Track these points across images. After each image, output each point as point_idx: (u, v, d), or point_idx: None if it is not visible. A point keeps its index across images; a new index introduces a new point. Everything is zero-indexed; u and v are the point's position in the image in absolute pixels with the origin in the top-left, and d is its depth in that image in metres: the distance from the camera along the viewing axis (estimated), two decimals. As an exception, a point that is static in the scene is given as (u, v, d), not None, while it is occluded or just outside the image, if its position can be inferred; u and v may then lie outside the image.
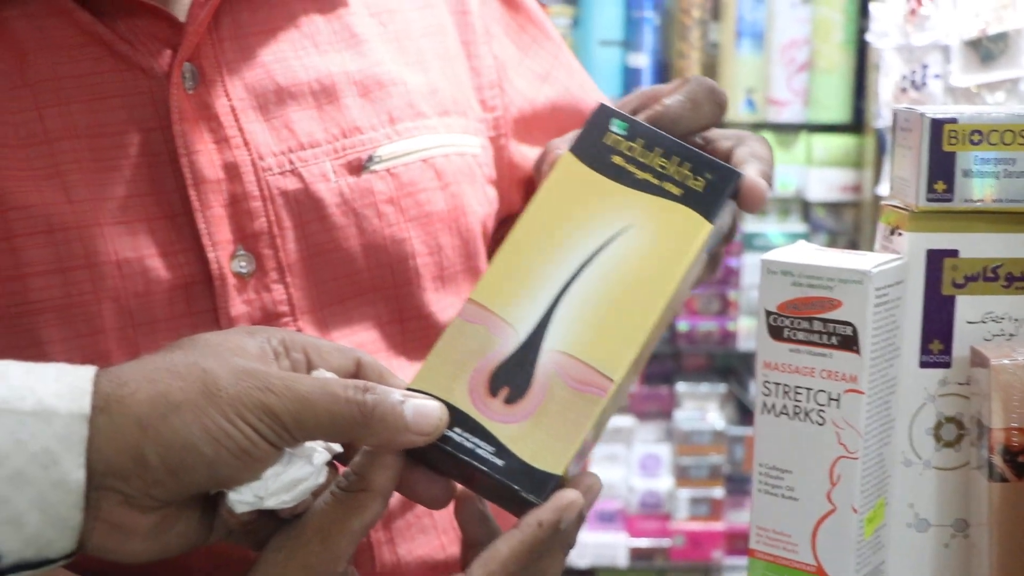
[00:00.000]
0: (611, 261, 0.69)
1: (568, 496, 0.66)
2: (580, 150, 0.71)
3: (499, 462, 0.65)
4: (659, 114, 0.77)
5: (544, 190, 0.71)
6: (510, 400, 0.67)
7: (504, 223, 1.05)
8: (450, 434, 0.66)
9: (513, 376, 0.67)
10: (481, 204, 0.96)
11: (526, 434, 0.66)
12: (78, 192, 0.80)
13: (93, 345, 0.79)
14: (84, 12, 0.81)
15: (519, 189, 1.04)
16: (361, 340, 0.88)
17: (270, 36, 0.88)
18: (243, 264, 0.84)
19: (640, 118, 0.76)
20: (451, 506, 0.93)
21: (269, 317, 0.85)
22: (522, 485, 0.65)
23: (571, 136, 0.77)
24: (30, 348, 0.78)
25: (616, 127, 0.71)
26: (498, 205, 1.00)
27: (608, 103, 0.73)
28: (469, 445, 0.66)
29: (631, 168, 0.71)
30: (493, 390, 0.67)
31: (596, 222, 0.70)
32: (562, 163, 0.71)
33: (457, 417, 0.66)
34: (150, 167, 0.82)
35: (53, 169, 0.80)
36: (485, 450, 0.66)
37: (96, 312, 0.79)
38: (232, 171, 0.84)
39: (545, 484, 0.66)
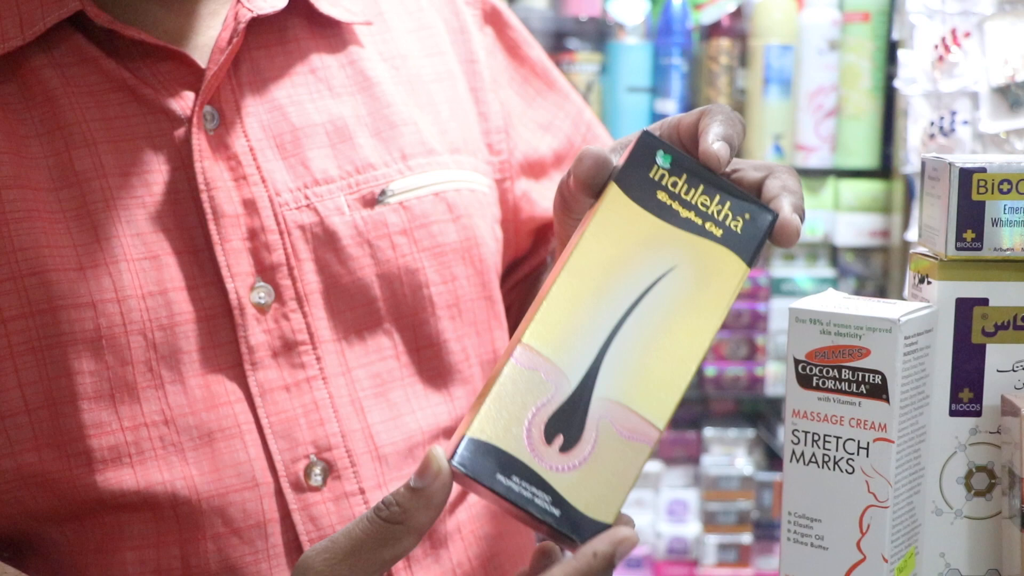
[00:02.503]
0: (656, 304, 0.69)
1: (622, 532, 0.66)
2: (626, 183, 0.70)
3: (556, 512, 0.65)
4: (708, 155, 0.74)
5: (593, 225, 0.70)
6: (564, 448, 0.66)
7: (520, 265, 1.07)
8: (510, 484, 0.66)
9: (567, 424, 0.67)
10: (495, 246, 0.97)
11: (579, 483, 0.66)
12: (106, 230, 0.82)
13: (121, 376, 0.81)
14: (109, 59, 0.84)
15: (525, 234, 1.05)
16: (378, 369, 0.89)
17: (286, 79, 0.89)
18: (262, 295, 0.85)
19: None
20: (464, 536, 0.94)
21: (289, 346, 0.86)
22: (578, 535, 0.66)
23: (608, 147, 0.76)
24: (60, 378, 0.80)
25: (661, 159, 0.70)
26: (505, 244, 1.00)
27: (651, 131, 0.72)
28: (527, 495, 0.66)
29: (675, 205, 0.70)
30: (548, 438, 0.66)
31: (643, 262, 0.69)
32: (609, 197, 0.70)
33: (515, 466, 0.66)
34: (173, 204, 0.84)
35: (83, 209, 0.82)
36: (543, 499, 0.65)
37: (125, 344, 0.81)
38: (250, 206, 0.85)
39: (598, 533, 0.66)
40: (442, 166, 0.93)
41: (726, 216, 0.70)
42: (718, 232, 0.70)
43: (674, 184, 0.70)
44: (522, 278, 1.10)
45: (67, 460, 0.80)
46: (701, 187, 0.70)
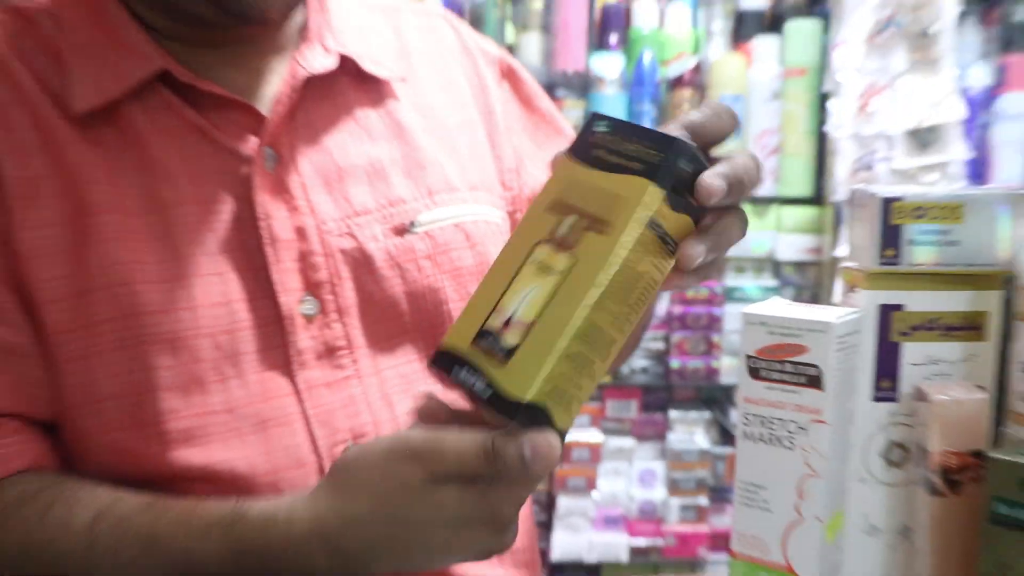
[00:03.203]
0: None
1: (526, 437, 0.64)
2: (572, 150, 0.69)
3: (488, 392, 0.64)
4: (687, 123, 0.71)
5: (544, 184, 0.70)
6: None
7: None
8: (460, 374, 0.65)
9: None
10: None
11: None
12: (183, 250, 0.82)
13: (194, 372, 0.81)
14: (189, 108, 0.84)
15: None
16: (404, 371, 0.89)
17: (333, 126, 0.89)
18: (309, 307, 0.85)
19: (670, 125, 0.71)
20: None
21: (330, 350, 0.86)
22: (498, 409, 0.63)
23: None
24: (143, 372, 0.80)
25: (600, 127, 0.69)
26: None
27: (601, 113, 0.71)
28: (469, 381, 0.65)
29: (607, 156, 0.67)
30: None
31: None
32: (557, 162, 0.70)
33: (464, 361, 0.66)
34: (237, 230, 0.84)
35: (166, 231, 0.82)
36: (480, 384, 0.64)
37: (196, 345, 0.81)
38: (300, 233, 0.85)
39: (515, 408, 0.62)
40: (462, 201, 0.93)
41: (649, 155, 0.65)
42: (638, 167, 0.65)
43: (611, 141, 0.67)
44: None
45: (146, 440, 0.80)
46: (634, 140, 0.67)
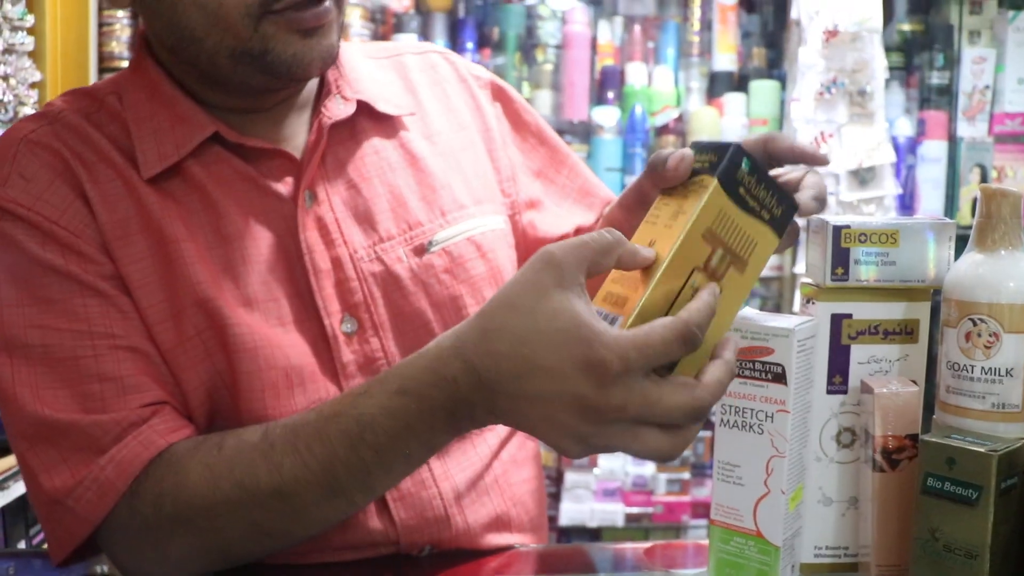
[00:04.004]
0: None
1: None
2: (722, 181, 0.64)
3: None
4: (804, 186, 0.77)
5: (701, 207, 0.63)
6: None
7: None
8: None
9: None
10: (511, 266, 0.94)
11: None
12: (243, 278, 0.81)
13: (265, 377, 0.80)
14: (238, 159, 0.83)
15: (533, 249, 0.98)
16: None
17: (358, 162, 0.88)
18: (349, 326, 0.83)
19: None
20: (501, 485, 0.91)
21: (369, 361, 0.84)
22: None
23: (679, 153, 0.68)
24: (230, 374, 0.79)
25: (745, 164, 0.65)
26: (517, 261, 0.97)
27: (741, 144, 0.67)
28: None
29: (747, 197, 0.65)
30: None
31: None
32: (713, 188, 0.64)
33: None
34: (285, 261, 0.83)
35: (230, 260, 0.81)
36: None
37: (268, 354, 0.80)
38: (337, 263, 0.83)
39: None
40: (470, 216, 0.90)
41: (773, 206, 0.66)
42: (767, 216, 0.66)
43: (748, 183, 0.65)
44: None
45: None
46: (763, 185, 0.66)
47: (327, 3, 0.78)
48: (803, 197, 0.75)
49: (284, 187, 0.84)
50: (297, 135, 0.87)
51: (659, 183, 0.67)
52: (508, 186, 0.97)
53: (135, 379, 0.76)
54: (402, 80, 0.95)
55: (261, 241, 0.82)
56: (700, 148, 0.67)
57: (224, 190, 0.82)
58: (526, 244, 0.99)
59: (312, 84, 0.89)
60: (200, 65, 0.80)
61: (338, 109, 0.86)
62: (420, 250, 0.87)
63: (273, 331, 0.80)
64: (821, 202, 0.76)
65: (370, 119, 0.89)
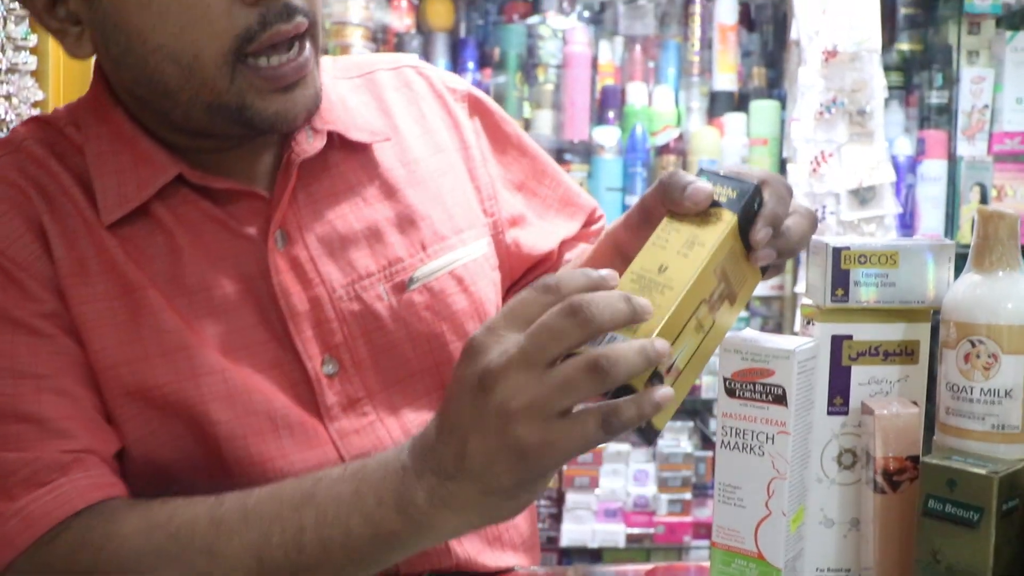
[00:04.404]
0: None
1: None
2: (742, 217, 0.66)
3: None
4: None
5: (720, 242, 0.65)
6: None
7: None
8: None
9: None
10: (494, 290, 0.92)
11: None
12: (210, 329, 0.78)
13: (246, 423, 0.77)
14: (206, 201, 0.79)
15: (518, 268, 0.98)
16: (417, 407, 0.85)
17: (332, 198, 0.84)
18: (330, 367, 0.81)
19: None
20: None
21: (353, 402, 0.82)
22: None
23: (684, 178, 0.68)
24: (204, 427, 0.76)
25: (758, 201, 0.67)
26: (501, 280, 0.95)
27: (759, 185, 0.68)
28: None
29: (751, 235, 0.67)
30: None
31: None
32: (732, 226, 0.65)
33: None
34: (257, 306, 0.80)
35: (198, 311, 0.77)
36: None
37: (245, 399, 0.77)
38: (315, 303, 0.81)
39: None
40: (451, 248, 0.88)
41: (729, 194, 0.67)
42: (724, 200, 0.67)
43: (752, 218, 0.67)
44: (520, 288, 1.00)
45: (214, 481, 0.75)
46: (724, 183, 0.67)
47: (305, 52, 0.75)
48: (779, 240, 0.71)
49: (254, 229, 0.80)
50: (266, 173, 0.83)
51: (670, 206, 0.67)
52: (490, 204, 0.94)
53: (59, 423, 0.72)
54: (376, 101, 0.91)
55: (231, 287, 0.79)
56: (715, 179, 0.68)
57: (191, 234, 0.78)
58: (511, 262, 0.97)
59: None
60: (173, 117, 0.76)
61: (307, 144, 0.82)
62: (400, 287, 0.84)
63: (250, 378, 0.78)
64: (776, 224, 0.69)
65: (343, 149, 0.86)
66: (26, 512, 0.69)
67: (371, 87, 0.92)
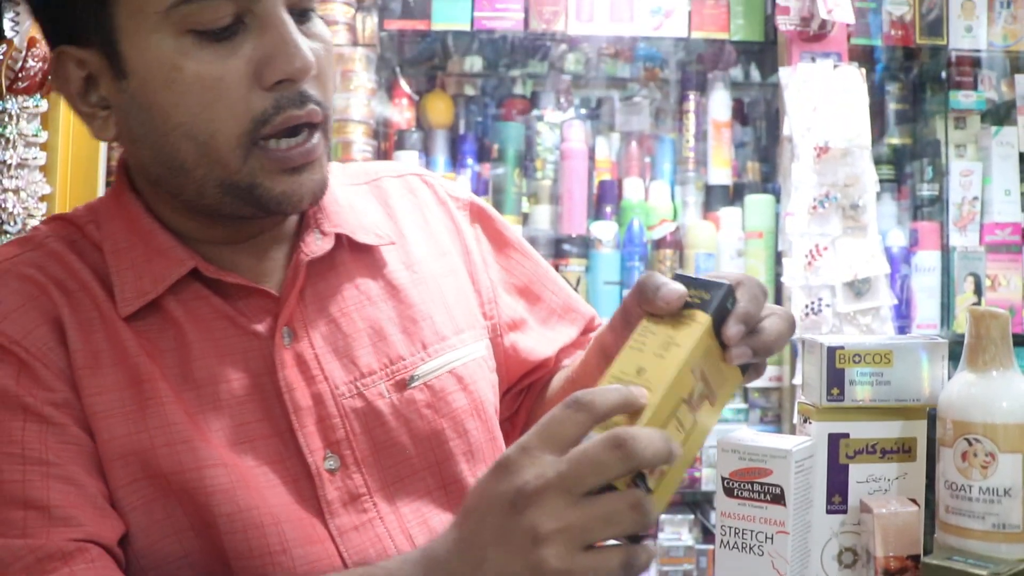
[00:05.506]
0: None
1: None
2: (715, 317, 0.68)
3: None
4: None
5: (694, 344, 0.66)
6: None
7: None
8: None
9: None
10: (492, 391, 0.93)
11: None
12: (215, 424, 0.79)
13: (247, 517, 0.77)
14: (216, 297, 0.82)
15: (515, 372, 1.00)
16: (418, 505, 0.85)
17: (338, 296, 0.86)
18: (332, 463, 0.82)
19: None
20: None
21: (353, 497, 0.82)
22: None
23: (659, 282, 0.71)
24: (206, 518, 0.76)
25: (731, 302, 0.69)
26: (499, 383, 0.96)
27: (732, 286, 0.70)
28: None
29: (727, 337, 0.68)
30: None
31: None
32: (705, 329, 0.67)
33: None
34: (263, 401, 0.81)
35: (203, 405, 0.79)
36: None
37: (246, 493, 0.77)
38: (318, 399, 0.82)
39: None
40: (452, 348, 0.89)
41: (703, 296, 0.69)
42: (698, 302, 0.69)
43: (726, 318, 0.69)
44: (517, 392, 1.04)
45: (216, 572, 0.77)
46: (698, 287, 0.69)
47: (314, 139, 0.78)
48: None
49: (262, 325, 0.82)
50: (276, 270, 0.85)
51: (646, 307, 0.69)
52: (490, 308, 0.96)
53: (64, 511, 0.72)
54: (382, 206, 0.94)
55: (237, 381, 0.80)
56: (688, 282, 0.70)
57: (200, 330, 0.81)
58: (508, 365, 0.98)
59: (292, 217, 0.87)
60: (186, 195, 0.79)
61: (316, 245, 0.85)
62: (401, 385, 0.86)
63: (251, 471, 0.78)
64: (748, 320, 0.70)
65: (350, 251, 0.88)
66: None
67: (377, 193, 0.95)
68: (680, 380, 0.64)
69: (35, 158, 1.97)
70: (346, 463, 0.82)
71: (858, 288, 2.06)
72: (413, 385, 0.86)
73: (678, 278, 0.70)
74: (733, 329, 0.69)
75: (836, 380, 0.77)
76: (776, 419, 2.37)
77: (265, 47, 0.75)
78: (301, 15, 0.78)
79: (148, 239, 0.81)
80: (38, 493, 0.72)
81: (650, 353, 0.66)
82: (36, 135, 1.97)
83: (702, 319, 0.67)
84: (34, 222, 1.96)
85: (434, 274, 0.92)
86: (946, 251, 2.32)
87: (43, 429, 0.75)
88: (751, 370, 0.73)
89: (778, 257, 2.26)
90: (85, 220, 0.84)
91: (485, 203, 1.02)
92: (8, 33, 1.94)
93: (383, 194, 0.95)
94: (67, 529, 0.72)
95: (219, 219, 0.82)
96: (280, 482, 0.80)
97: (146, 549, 0.77)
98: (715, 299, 0.68)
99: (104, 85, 0.78)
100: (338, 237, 0.87)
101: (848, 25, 2.19)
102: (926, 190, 2.37)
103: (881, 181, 2.25)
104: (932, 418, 0.78)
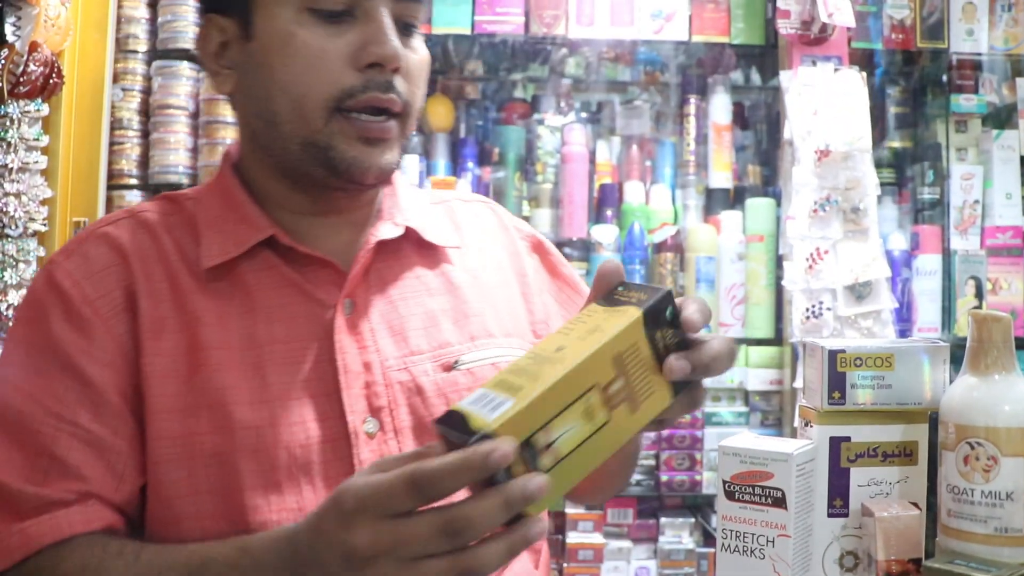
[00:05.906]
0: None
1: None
2: (647, 316, 0.68)
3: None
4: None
5: (619, 331, 0.67)
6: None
7: None
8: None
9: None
10: None
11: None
12: (271, 379, 0.85)
13: (272, 477, 0.83)
14: (287, 266, 0.90)
15: None
16: None
17: (399, 281, 0.94)
18: (371, 426, 0.86)
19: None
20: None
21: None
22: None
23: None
24: (231, 476, 0.82)
25: (670, 312, 0.69)
26: None
27: (672, 292, 0.71)
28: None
29: (661, 341, 0.69)
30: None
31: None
32: (635, 320, 0.68)
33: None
34: (316, 362, 0.87)
35: (258, 365, 0.85)
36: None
37: (276, 455, 0.83)
38: (367, 367, 0.88)
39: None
40: (497, 345, 0.94)
41: (642, 297, 0.70)
42: (635, 301, 0.70)
43: (665, 330, 0.69)
44: None
45: (233, 528, 0.81)
46: (678, 341, 0.70)
47: (391, 124, 0.87)
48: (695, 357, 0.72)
49: (326, 295, 0.89)
50: (346, 251, 0.93)
51: (594, 294, 0.73)
52: (540, 328, 1.02)
53: (80, 469, 0.82)
54: (450, 219, 1.03)
55: (296, 343, 0.87)
56: (633, 287, 0.72)
57: (268, 296, 0.88)
58: None
59: (369, 209, 0.96)
60: (274, 151, 0.89)
61: (387, 230, 0.93)
62: (447, 367, 0.91)
63: (286, 430, 0.83)
64: (704, 317, 0.73)
65: (417, 247, 0.96)
66: (28, 531, 0.80)
67: (446, 210, 1.05)
68: (594, 365, 0.65)
69: (36, 162, 1.97)
70: (385, 429, 0.87)
71: (859, 291, 2.06)
72: (458, 368, 0.91)
73: (627, 285, 0.73)
74: (687, 314, 0.70)
75: (837, 384, 0.77)
76: (777, 423, 2.37)
77: (365, 35, 0.85)
78: (405, 28, 0.89)
79: (238, 209, 0.91)
80: (63, 451, 0.82)
81: (575, 336, 0.68)
82: (37, 139, 1.98)
83: (632, 313, 0.68)
84: (35, 226, 1.96)
85: (491, 283, 0.99)
86: (947, 255, 2.32)
87: (83, 391, 0.83)
88: (685, 397, 0.72)
89: (779, 260, 2.26)
90: (186, 197, 0.96)
91: (546, 239, 1.10)
92: (10, 38, 1.94)
93: (452, 212, 1.04)
94: (76, 482, 0.82)
95: (300, 184, 0.90)
96: (315, 441, 0.84)
97: (166, 501, 0.84)
98: (651, 299, 0.69)
99: (234, 49, 0.90)
100: (408, 231, 0.95)
101: (849, 29, 2.19)
102: (927, 193, 2.37)
103: (882, 185, 2.25)
104: (934, 422, 0.78)
